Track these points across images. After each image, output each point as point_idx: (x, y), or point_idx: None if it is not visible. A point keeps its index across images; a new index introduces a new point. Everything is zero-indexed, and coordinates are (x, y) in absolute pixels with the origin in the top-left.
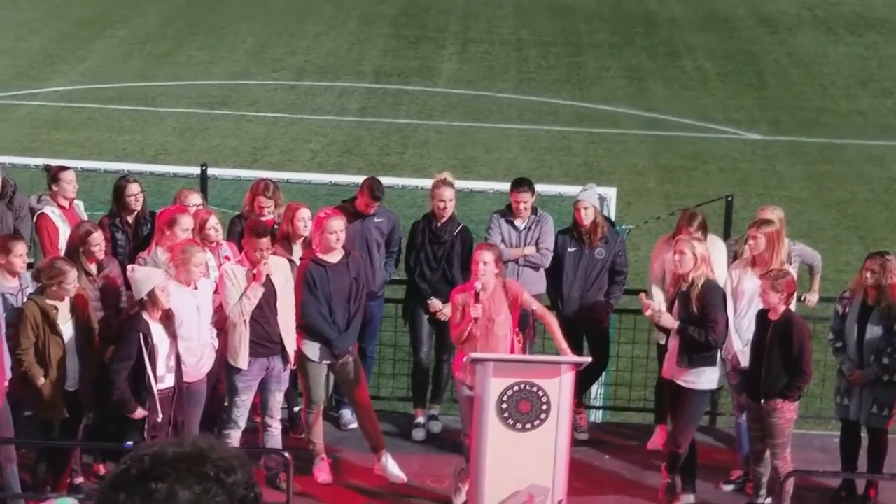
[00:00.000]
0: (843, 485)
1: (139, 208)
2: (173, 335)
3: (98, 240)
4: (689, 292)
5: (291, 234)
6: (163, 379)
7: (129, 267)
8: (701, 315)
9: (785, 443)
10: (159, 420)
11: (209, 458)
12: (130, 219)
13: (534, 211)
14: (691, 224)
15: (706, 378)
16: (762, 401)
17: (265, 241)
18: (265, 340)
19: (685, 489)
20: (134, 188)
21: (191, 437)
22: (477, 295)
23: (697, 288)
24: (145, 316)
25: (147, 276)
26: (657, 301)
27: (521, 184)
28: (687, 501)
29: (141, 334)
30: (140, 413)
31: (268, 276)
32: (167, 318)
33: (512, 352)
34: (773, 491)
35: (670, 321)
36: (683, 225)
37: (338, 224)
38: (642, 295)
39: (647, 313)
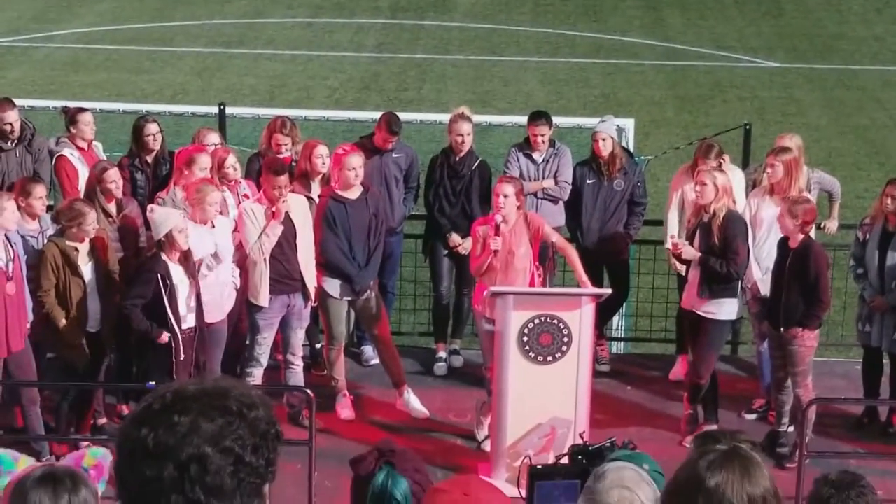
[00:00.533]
0: (865, 412)
1: (158, 148)
2: (193, 275)
3: (114, 176)
4: (710, 223)
5: (310, 171)
6: (184, 319)
7: (148, 207)
8: (723, 246)
9: (805, 370)
10: (182, 360)
11: (231, 394)
12: (150, 159)
13: (552, 144)
14: (708, 155)
15: (726, 308)
16: (782, 329)
17: (283, 179)
18: (285, 278)
19: (707, 419)
20: (152, 128)
21: (211, 377)
22: (497, 227)
23: (719, 219)
24: (164, 257)
25: (165, 216)
26: (673, 230)
27: (539, 117)
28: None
29: (160, 276)
30: (165, 337)
31: (287, 213)
32: (186, 259)
33: (532, 285)
34: (795, 419)
35: (692, 253)
36: (700, 157)
37: (356, 160)
38: (671, 235)
39: (669, 247)
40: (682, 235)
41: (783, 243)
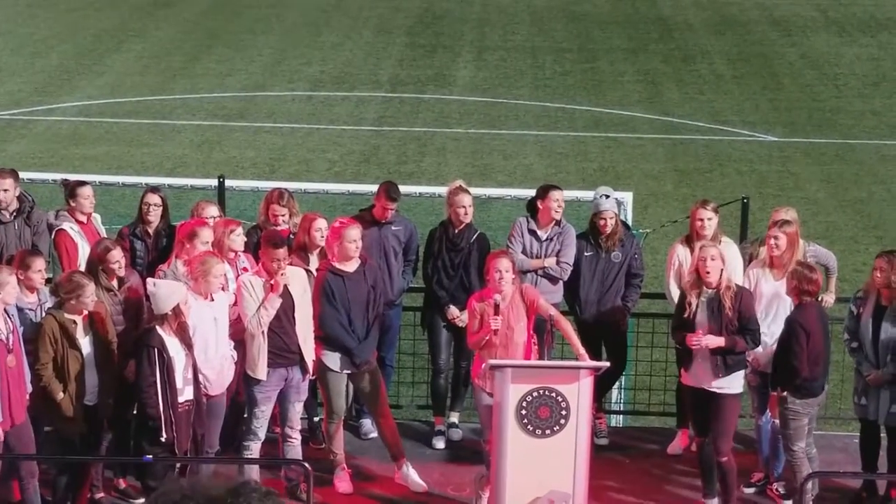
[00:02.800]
0: (864, 485)
1: (156, 220)
2: (189, 346)
3: (117, 257)
4: (721, 297)
5: (308, 244)
6: (181, 392)
7: (149, 282)
8: (741, 319)
9: (791, 434)
10: (179, 434)
11: (254, 489)
12: (150, 230)
13: (557, 223)
14: (706, 206)
15: (738, 381)
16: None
17: (282, 252)
18: (283, 351)
19: (707, 494)
20: (151, 198)
21: (210, 449)
22: (497, 307)
23: (732, 291)
24: (159, 330)
25: (171, 291)
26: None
27: (551, 188)
28: None
29: (156, 349)
30: (167, 436)
31: (285, 286)
32: (182, 330)
33: (528, 357)
34: (791, 488)
35: (716, 341)
36: (699, 206)
37: (355, 233)
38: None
39: (694, 345)
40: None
41: None
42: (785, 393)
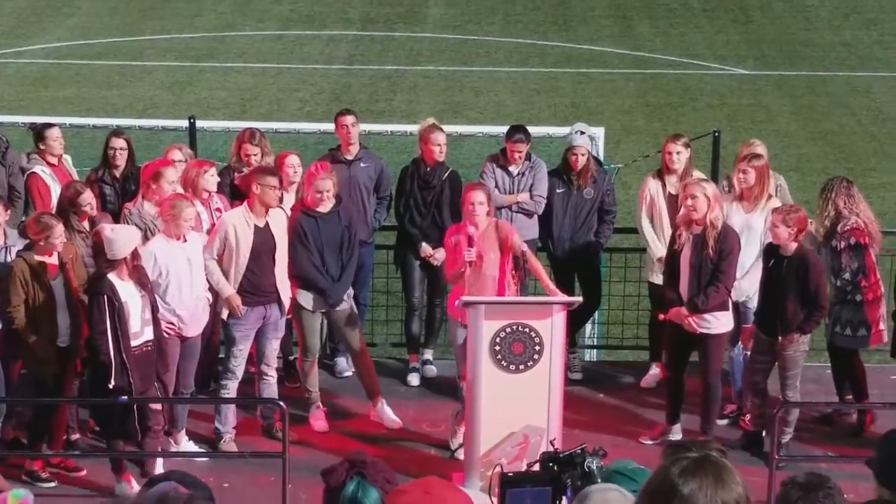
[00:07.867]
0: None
1: (122, 163)
2: (144, 287)
3: (88, 199)
4: (705, 235)
5: (282, 182)
6: (138, 335)
7: (105, 227)
8: (718, 258)
9: (798, 374)
10: (139, 376)
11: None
12: (118, 174)
13: (527, 157)
14: (677, 140)
15: (722, 321)
16: (780, 336)
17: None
18: (261, 290)
19: (670, 420)
20: (117, 142)
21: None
22: (471, 238)
23: (716, 230)
24: (111, 276)
25: (129, 236)
26: (651, 239)
27: (517, 132)
28: (675, 434)
29: (106, 297)
30: (114, 384)
31: (268, 226)
32: (137, 272)
33: (501, 292)
34: (785, 422)
35: (679, 315)
36: (669, 140)
37: (325, 184)
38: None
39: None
40: (660, 239)
41: (772, 251)
42: (800, 336)
